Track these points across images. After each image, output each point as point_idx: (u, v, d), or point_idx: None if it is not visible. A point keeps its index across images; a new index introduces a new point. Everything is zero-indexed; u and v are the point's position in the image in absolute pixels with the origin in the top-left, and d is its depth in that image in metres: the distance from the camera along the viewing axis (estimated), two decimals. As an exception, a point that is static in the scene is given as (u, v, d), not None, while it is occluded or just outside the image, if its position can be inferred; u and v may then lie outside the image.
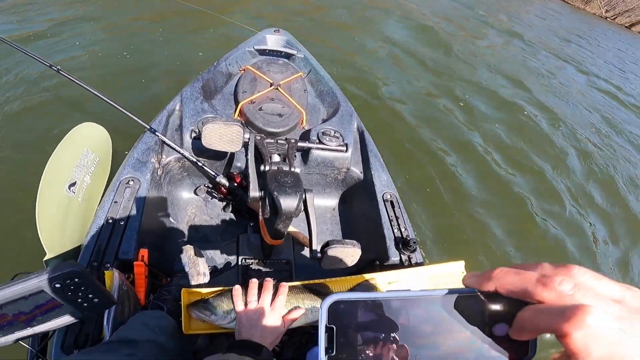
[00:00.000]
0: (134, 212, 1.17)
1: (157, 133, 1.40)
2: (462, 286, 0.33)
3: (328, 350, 0.28)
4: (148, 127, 1.41)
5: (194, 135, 1.46)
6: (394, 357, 0.31)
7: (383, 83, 4.10)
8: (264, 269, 1.38)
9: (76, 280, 0.63)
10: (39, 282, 0.62)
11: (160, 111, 1.53)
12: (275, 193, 1.04)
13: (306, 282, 1.08)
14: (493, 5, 10.13)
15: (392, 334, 0.31)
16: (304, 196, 1.11)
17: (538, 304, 0.29)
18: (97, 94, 1.49)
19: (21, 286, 0.61)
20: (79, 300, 0.67)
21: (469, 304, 0.32)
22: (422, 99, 4.10)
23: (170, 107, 1.56)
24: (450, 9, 8.20)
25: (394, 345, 0.31)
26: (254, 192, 1.11)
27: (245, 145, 1.31)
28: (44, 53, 2.57)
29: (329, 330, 0.29)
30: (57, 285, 0.63)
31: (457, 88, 4.54)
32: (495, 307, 0.32)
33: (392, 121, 3.48)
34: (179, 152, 1.43)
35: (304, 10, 5.44)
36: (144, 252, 1.04)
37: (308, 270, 1.36)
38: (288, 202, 1.03)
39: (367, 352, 0.30)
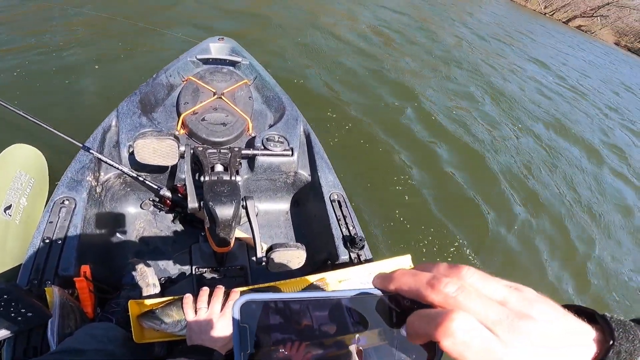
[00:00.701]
0: (71, 230, 1.17)
1: (91, 151, 1.38)
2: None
3: (242, 348, 0.29)
4: (81, 145, 1.39)
5: (131, 150, 1.42)
6: (304, 356, 0.31)
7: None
8: (218, 277, 1.39)
9: (5, 297, 0.66)
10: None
11: (96, 128, 1.50)
12: (211, 203, 1.07)
13: (257, 286, 1.10)
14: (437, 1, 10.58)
15: (301, 335, 0.31)
16: (243, 204, 1.14)
17: (429, 306, 0.28)
18: (23, 114, 1.41)
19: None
20: (12, 314, 0.70)
21: (381, 304, 0.32)
22: (362, 92, 4.21)
23: (105, 124, 1.53)
24: (393, 3, 8.54)
25: (304, 345, 0.31)
26: (192, 203, 1.13)
27: (183, 157, 1.31)
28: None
29: (242, 329, 0.29)
30: (-13, 303, 0.66)
31: (399, 80, 4.78)
32: (399, 308, 0.31)
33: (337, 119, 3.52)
34: (117, 169, 1.41)
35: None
36: (85, 268, 1.05)
37: (264, 274, 1.37)
38: (224, 211, 1.07)
39: (280, 350, 0.30)
